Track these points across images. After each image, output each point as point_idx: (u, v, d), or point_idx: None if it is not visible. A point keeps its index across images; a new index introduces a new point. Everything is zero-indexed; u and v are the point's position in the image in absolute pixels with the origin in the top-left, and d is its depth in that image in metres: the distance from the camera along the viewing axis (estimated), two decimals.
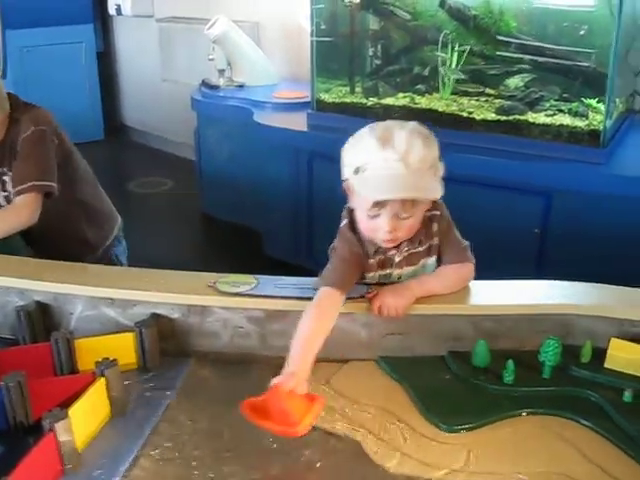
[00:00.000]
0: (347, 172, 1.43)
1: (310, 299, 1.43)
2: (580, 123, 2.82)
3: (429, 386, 1.40)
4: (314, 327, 1.36)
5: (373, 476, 1.20)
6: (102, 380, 1.30)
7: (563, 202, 2.71)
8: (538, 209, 2.76)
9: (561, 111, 2.93)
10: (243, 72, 4.17)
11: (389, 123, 1.40)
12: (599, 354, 1.42)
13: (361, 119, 3.12)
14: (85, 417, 1.25)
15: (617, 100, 2.92)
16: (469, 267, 1.56)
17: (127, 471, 1.20)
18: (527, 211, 2.79)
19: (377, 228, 1.43)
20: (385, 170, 1.34)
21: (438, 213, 1.53)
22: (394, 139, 1.34)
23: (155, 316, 1.50)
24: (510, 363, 1.37)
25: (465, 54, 3.06)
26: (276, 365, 1.31)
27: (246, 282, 1.52)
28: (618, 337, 1.41)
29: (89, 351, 1.42)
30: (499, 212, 2.82)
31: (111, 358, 1.33)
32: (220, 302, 1.48)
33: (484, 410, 1.32)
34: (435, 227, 1.53)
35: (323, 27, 3.38)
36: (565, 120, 2.86)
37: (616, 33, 2.60)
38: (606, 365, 1.40)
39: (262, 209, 3.73)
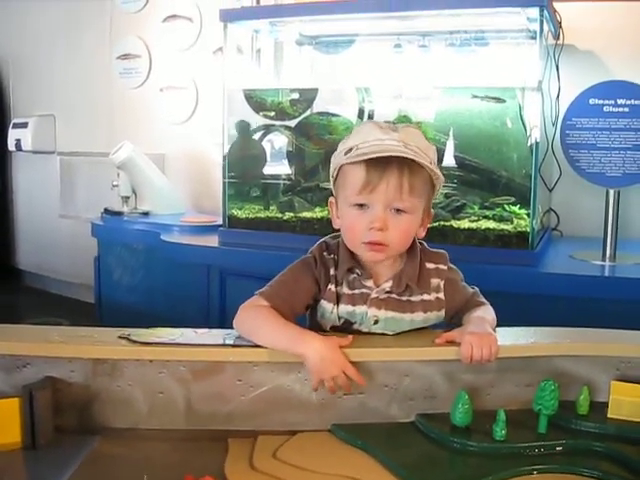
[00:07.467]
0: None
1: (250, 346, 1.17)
2: (507, 227, 2.76)
3: (404, 451, 1.11)
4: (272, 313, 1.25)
5: None
6: None
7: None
8: None
9: (485, 217, 2.87)
10: (149, 199, 3.97)
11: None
12: (595, 406, 1.20)
13: (276, 233, 2.96)
14: None
15: (539, 207, 2.90)
16: (490, 308, 1.37)
17: None
18: None
19: (364, 224, 1.21)
20: (381, 144, 1.19)
21: (444, 268, 1.33)
22: (396, 127, 1.23)
23: (49, 380, 1.16)
24: (501, 413, 1.12)
25: None
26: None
27: (168, 334, 1.23)
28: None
29: None
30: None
31: None
32: (134, 355, 1.17)
33: (478, 472, 1.05)
34: (435, 282, 1.31)
35: (235, 150, 3.30)
36: (490, 224, 2.80)
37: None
38: (610, 415, 1.17)
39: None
